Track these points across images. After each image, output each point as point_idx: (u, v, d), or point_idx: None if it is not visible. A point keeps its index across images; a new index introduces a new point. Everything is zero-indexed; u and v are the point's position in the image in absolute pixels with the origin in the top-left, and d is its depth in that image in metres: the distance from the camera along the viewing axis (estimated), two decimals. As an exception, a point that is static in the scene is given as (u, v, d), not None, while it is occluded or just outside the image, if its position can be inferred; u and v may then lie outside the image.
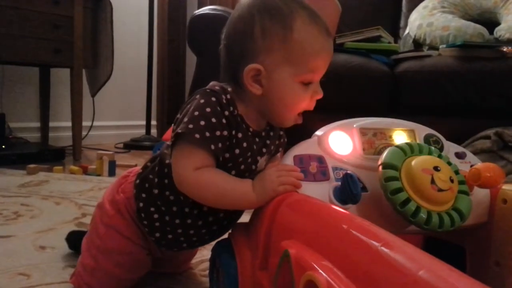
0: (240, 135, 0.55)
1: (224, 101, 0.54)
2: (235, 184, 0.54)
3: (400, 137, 0.61)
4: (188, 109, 0.54)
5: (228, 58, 0.58)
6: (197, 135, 0.51)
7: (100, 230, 0.65)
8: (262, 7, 0.54)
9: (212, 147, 0.52)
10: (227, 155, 0.55)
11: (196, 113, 0.52)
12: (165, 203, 0.60)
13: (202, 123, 0.52)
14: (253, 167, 0.59)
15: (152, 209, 0.61)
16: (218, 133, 0.53)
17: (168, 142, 0.59)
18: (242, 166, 0.57)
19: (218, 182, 0.54)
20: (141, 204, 0.61)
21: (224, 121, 0.53)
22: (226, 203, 0.55)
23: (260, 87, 0.55)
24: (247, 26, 0.54)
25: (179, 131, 0.52)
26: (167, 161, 0.59)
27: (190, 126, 0.52)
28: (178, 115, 0.57)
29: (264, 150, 0.60)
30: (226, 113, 0.54)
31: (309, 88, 0.55)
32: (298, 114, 0.58)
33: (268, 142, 0.61)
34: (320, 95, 0.57)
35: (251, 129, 0.57)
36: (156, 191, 0.60)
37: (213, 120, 0.52)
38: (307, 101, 0.56)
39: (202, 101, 0.54)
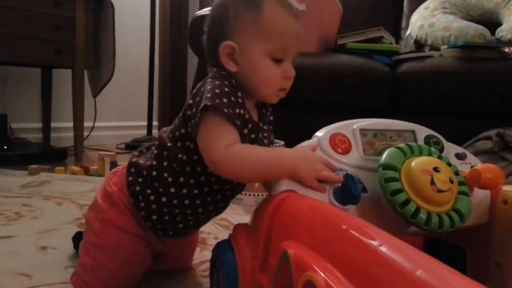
0: (247, 116, 0.59)
1: (234, 84, 0.58)
2: (269, 149, 0.56)
3: (400, 138, 0.61)
4: (206, 88, 0.56)
5: (209, 44, 0.62)
6: (225, 110, 0.54)
7: (96, 227, 0.66)
8: None
9: (237, 122, 0.55)
10: None
11: (217, 91, 0.55)
12: (163, 184, 0.62)
13: (225, 100, 0.55)
14: None
15: (148, 191, 0.63)
16: (237, 110, 0.56)
17: (165, 129, 0.64)
18: None
19: (253, 150, 0.55)
20: (137, 188, 0.63)
21: (240, 100, 0.57)
22: (263, 172, 0.54)
23: (235, 65, 0.59)
24: (222, 11, 0.60)
25: (209, 103, 0.54)
26: (169, 144, 0.61)
27: (217, 101, 0.54)
28: (190, 101, 0.58)
29: (265, 141, 0.64)
30: (239, 93, 0.58)
31: (281, 66, 0.59)
32: (278, 90, 0.60)
33: (265, 134, 0.65)
34: (291, 73, 0.60)
35: (248, 115, 0.60)
36: (154, 173, 0.62)
37: (233, 98, 0.56)
38: (279, 78, 0.59)
39: (217, 82, 0.57)
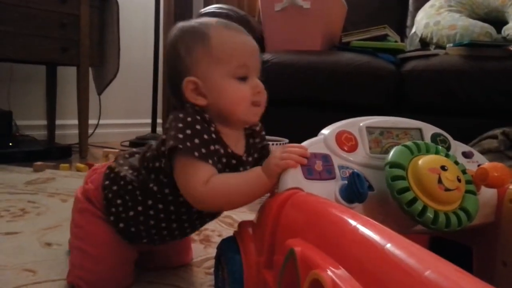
0: (222, 151, 0.59)
1: (207, 118, 0.58)
2: (245, 175, 0.56)
3: (407, 136, 0.60)
4: (176, 126, 0.56)
5: (172, 88, 0.62)
6: (196, 153, 0.54)
7: (76, 218, 0.69)
8: (181, 32, 0.62)
9: (210, 161, 0.55)
10: None
11: (188, 131, 0.55)
12: (133, 200, 0.63)
13: (197, 141, 0.55)
14: None
15: (119, 201, 0.64)
16: (212, 147, 0.56)
17: (152, 143, 0.64)
18: None
19: (229, 182, 0.55)
20: (110, 195, 0.65)
21: (213, 135, 0.57)
22: (245, 197, 0.56)
23: (204, 98, 0.59)
24: (174, 51, 0.61)
25: (180, 146, 0.54)
26: (142, 171, 0.62)
27: (188, 144, 0.54)
28: (164, 136, 0.58)
29: (241, 169, 0.63)
30: (212, 128, 0.58)
31: (247, 82, 0.59)
32: (251, 106, 0.60)
33: (248, 167, 0.64)
34: (259, 87, 0.60)
35: (229, 150, 0.60)
36: (130, 187, 0.63)
37: (205, 136, 0.56)
38: (248, 95, 0.59)
39: (189, 119, 0.56)
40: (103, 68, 2.10)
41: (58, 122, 2.24)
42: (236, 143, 0.62)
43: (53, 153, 1.88)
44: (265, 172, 0.54)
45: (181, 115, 0.57)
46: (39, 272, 0.73)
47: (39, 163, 1.59)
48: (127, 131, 2.62)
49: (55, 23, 1.82)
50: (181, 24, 0.63)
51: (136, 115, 2.74)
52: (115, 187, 0.64)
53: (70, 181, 1.45)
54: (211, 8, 1.83)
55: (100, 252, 0.65)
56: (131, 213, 0.63)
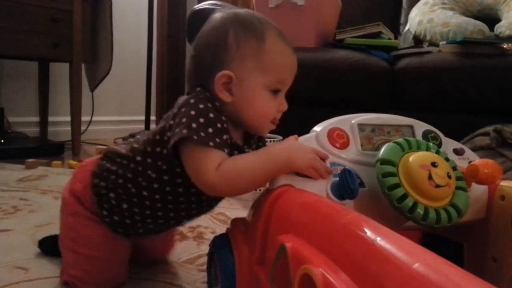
0: (229, 141, 0.57)
1: (217, 106, 0.56)
2: (256, 153, 0.55)
3: (398, 133, 0.61)
4: (187, 113, 0.53)
5: (197, 68, 0.59)
6: (211, 143, 0.52)
7: (69, 221, 0.67)
8: (235, 20, 0.57)
9: (226, 150, 0.54)
10: None
11: (202, 120, 0.52)
12: (127, 193, 0.61)
13: (210, 130, 0.52)
14: None
15: (111, 195, 0.62)
16: (225, 137, 0.54)
17: (139, 137, 0.63)
18: None
19: (243, 162, 0.54)
20: (100, 191, 0.63)
21: (225, 125, 0.55)
22: (260, 176, 0.53)
23: (229, 95, 0.56)
24: (221, 36, 0.56)
25: (195, 137, 0.51)
26: (138, 158, 0.60)
27: (202, 134, 0.52)
28: (171, 122, 0.55)
29: None
30: (223, 118, 0.55)
31: (277, 98, 0.58)
32: (270, 122, 0.59)
33: None
34: (284, 107, 0.59)
35: (233, 140, 0.58)
36: (121, 180, 0.61)
37: (218, 125, 0.54)
38: (273, 112, 0.58)
39: (201, 106, 0.54)
40: (96, 64, 2.09)
41: (50, 119, 2.22)
42: (237, 134, 0.60)
43: (45, 150, 1.86)
44: (286, 160, 0.52)
45: (192, 101, 0.54)
46: (31, 269, 0.73)
47: (31, 160, 1.58)
48: (120, 128, 2.61)
49: (47, 18, 1.80)
50: (235, 11, 0.59)
51: (130, 112, 2.72)
52: (104, 183, 0.63)
53: (62, 178, 1.44)
54: (205, 4, 1.82)
55: (95, 254, 0.65)
56: (125, 205, 0.62)
